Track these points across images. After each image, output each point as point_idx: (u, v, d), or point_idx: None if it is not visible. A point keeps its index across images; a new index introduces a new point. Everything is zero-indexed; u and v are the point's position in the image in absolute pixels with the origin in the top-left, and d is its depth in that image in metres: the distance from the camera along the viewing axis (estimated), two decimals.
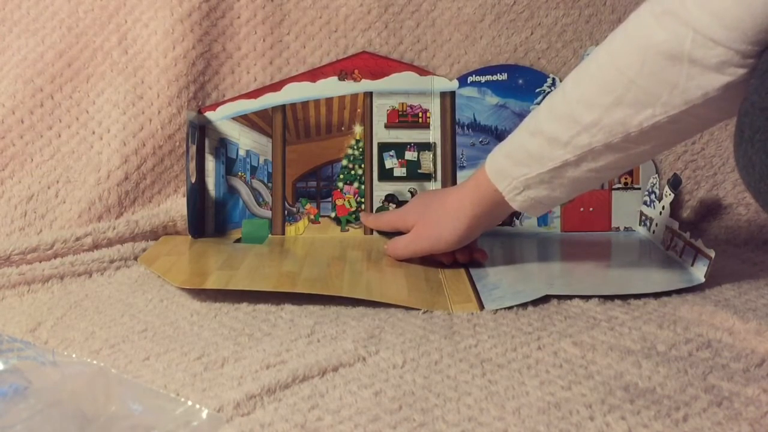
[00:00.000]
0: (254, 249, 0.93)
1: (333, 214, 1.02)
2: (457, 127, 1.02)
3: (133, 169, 0.97)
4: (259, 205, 1.01)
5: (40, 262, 0.85)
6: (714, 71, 0.63)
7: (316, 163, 1.02)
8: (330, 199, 1.02)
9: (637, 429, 0.52)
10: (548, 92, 1.02)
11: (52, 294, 0.79)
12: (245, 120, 1.01)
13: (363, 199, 1.02)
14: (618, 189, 1.03)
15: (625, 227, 1.03)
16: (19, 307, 0.76)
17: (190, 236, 0.96)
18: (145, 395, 0.51)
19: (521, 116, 1.01)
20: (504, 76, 1.02)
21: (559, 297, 0.77)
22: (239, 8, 1.01)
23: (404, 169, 1.02)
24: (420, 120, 1.02)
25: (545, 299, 0.77)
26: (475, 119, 1.02)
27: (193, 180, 0.97)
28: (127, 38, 1.00)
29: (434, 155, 1.02)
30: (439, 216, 0.84)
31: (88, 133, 0.98)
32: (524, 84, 1.02)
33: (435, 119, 1.02)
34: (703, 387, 0.58)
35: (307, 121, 1.02)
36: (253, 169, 1.01)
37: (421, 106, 1.02)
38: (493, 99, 1.02)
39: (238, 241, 0.97)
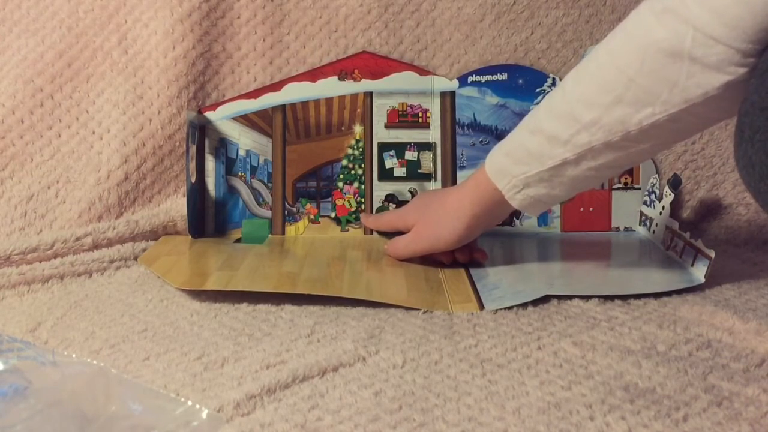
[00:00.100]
0: (254, 249, 0.93)
1: (333, 214, 1.02)
2: (457, 126, 1.02)
3: (133, 169, 0.97)
4: (259, 205, 1.01)
5: (40, 262, 0.85)
6: (714, 70, 0.63)
7: (316, 163, 1.02)
8: (330, 199, 1.02)
9: (637, 429, 0.52)
10: (548, 92, 1.02)
11: (52, 294, 0.79)
12: (245, 120, 1.01)
13: (363, 199, 1.02)
14: (618, 189, 1.03)
15: (625, 227, 1.03)
16: (19, 307, 0.76)
17: (190, 236, 0.96)
18: (145, 395, 0.51)
19: (521, 116, 1.00)
20: (504, 76, 1.02)
21: (559, 297, 0.77)
22: (239, 8, 1.01)
23: (404, 169, 1.02)
24: (420, 120, 1.02)
25: (545, 299, 0.77)
26: (475, 119, 1.02)
27: (193, 180, 0.97)
28: (127, 38, 1.00)
29: (434, 155, 1.02)
30: (439, 216, 0.84)
31: (88, 133, 0.98)
32: (524, 84, 1.02)
33: (435, 119, 1.02)
34: (703, 387, 0.58)
35: (307, 121, 1.02)
36: (253, 169, 1.01)
37: (421, 106, 1.02)
38: (493, 99, 1.02)
39: (238, 241, 0.97)
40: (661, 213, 0.97)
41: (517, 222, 1.03)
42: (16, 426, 0.46)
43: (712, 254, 0.80)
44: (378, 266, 0.87)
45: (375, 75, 1.02)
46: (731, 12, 0.61)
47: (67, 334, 0.68)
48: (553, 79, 1.02)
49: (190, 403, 0.50)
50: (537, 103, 1.01)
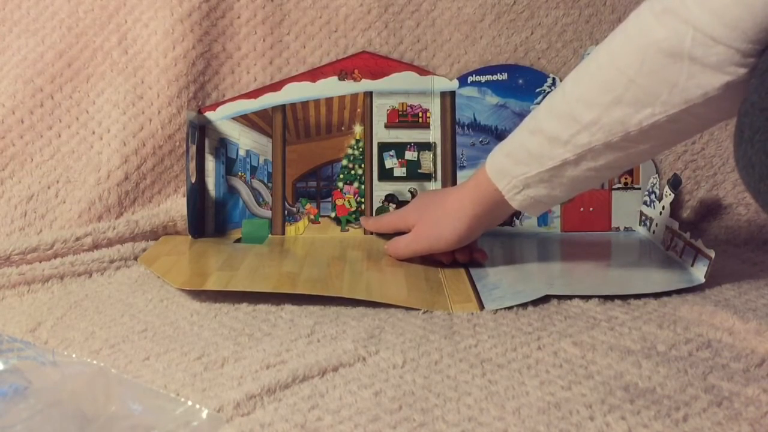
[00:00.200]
0: (254, 249, 0.93)
1: (333, 214, 1.02)
2: (457, 126, 1.02)
3: (133, 169, 0.97)
4: (259, 205, 1.01)
5: (40, 262, 0.85)
6: (714, 70, 0.63)
7: (316, 163, 1.02)
8: (330, 199, 1.02)
9: (637, 429, 0.52)
10: (548, 92, 1.02)
11: (52, 294, 0.79)
12: (245, 120, 1.01)
13: (363, 199, 1.02)
14: (618, 189, 1.03)
15: (625, 227, 1.03)
16: (19, 307, 0.76)
17: (190, 236, 0.96)
18: (145, 395, 0.51)
19: (521, 116, 1.00)
20: (504, 76, 1.02)
21: (559, 297, 0.77)
22: (239, 8, 1.01)
23: (404, 169, 1.02)
24: (420, 120, 1.02)
25: (545, 299, 0.77)
26: (475, 119, 1.02)
27: (193, 180, 0.97)
28: (127, 38, 1.00)
29: (434, 155, 1.02)
30: (440, 216, 0.84)
31: (88, 133, 0.98)
32: (524, 84, 1.02)
33: (435, 119, 1.02)
34: (703, 387, 0.58)
35: (307, 121, 1.02)
36: (253, 169, 1.01)
37: (421, 106, 1.02)
38: (493, 99, 1.02)
39: (238, 241, 0.97)
40: (661, 213, 0.97)
41: (517, 222, 1.03)
42: (16, 426, 0.46)
43: (712, 254, 0.80)
44: (378, 266, 0.87)
45: (375, 75, 1.02)
46: (731, 12, 0.61)
47: (67, 334, 0.68)
48: (553, 79, 1.02)
49: (190, 403, 0.50)
50: (537, 103, 1.01)
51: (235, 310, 0.74)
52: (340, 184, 1.02)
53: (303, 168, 1.02)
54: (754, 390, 0.57)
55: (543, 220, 1.03)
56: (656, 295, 0.78)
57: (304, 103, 1.01)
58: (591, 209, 1.03)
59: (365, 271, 0.85)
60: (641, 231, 1.02)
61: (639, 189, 1.03)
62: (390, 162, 1.02)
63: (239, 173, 1.01)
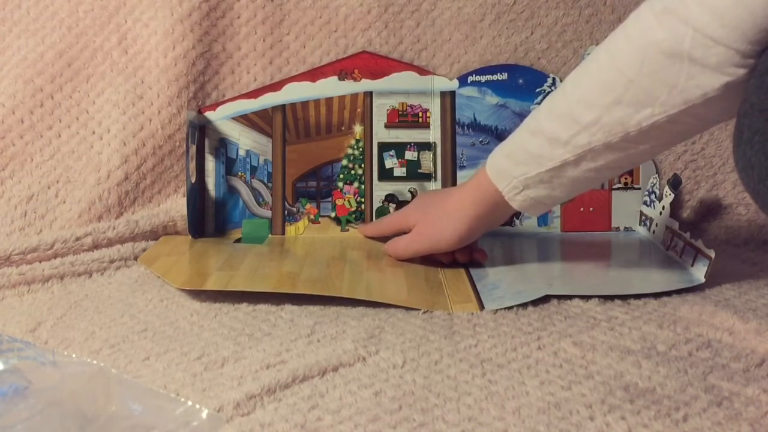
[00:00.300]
0: (254, 249, 0.93)
1: (333, 214, 1.02)
2: (457, 126, 1.02)
3: (133, 169, 0.97)
4: (259, 204, 1.01)
5: (40, 262, 0.85)
6: (713, 70, 0.63)
7: (316, 162, 1.02)
8: (330, 199, 1.02)
9: (637, 429, 0.52)
10: (548, 92, 1.02)
11: (52, 294, 0.79)
12: (245, 120, 1.01)
13: (363, 199, 1.02)
14: (618, 189, 1.03)
15: (625, 227, 1.03)
16: (19, 307, 0.76)
17: (190, 236, 0.96)
18: (145, 395, 0.51)
19: (521, 116, 1.01)
20: (504, 76, 1.02)
21: (559, 297, 0.77)
22: (239, 8, 1.01)
23: (404, 169, 1.02)
24: (420, 120, 1.02)
25: (545, 299, 0.77)
26: (475, 119, 1.02)
27: (193, 180, 0.97)
28: (127, 38, 1.00)
29: (434, 155, 1.02)
30: (440, 216, 0.84)
31: (88, 133, 0.98)
32: (524, 84, 1.02)
33: (435, 119, 1.02)
34: (703, 387, 0.58)
35: (307, 120, 1.02)
36: (253, 169, 1.01)
37: (421, 106, 1.02)
38: (493, 99, 1.02)
39: (238, 241, 0.97)
40: (661, 213, 0.97)
41: (517, 222, 1.03)
42: (16, 426, 0.46)
43: (712, 254, 0.80)
44: (378, 266, 0.87)
45: (375, 75, 1.02)
46: (731, 13, 0.61)
47: (67, 334, 0.68)
48: (553, 79, 1.02)
49: (190, 403, 0.50)
50: (537, 104, 1.01)
51: (235, 310, 0.74)
52: (340, 184, 1.02)
53: (303, 168, 1.02)
54: (754, 390, 0.57)
55: (543, 220, 1.03)
56: (656, 295, 0.78)
57: (304, 103, 1.01)
58: (591, 209, 1.03)
59: (365, 271, 0.85)
60: (641, 231, 1.02)
61: (639, 189, 1.03)
62: (390, 162, 1.02)
63: (239, 173, 1.01)
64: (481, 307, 0.75)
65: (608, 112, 0.69)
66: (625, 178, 1.03)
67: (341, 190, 1.02)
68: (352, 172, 1.02)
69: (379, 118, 1.02)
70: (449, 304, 0.76)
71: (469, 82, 1.02)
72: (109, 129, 0.98)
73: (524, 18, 1.03)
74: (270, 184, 1.01)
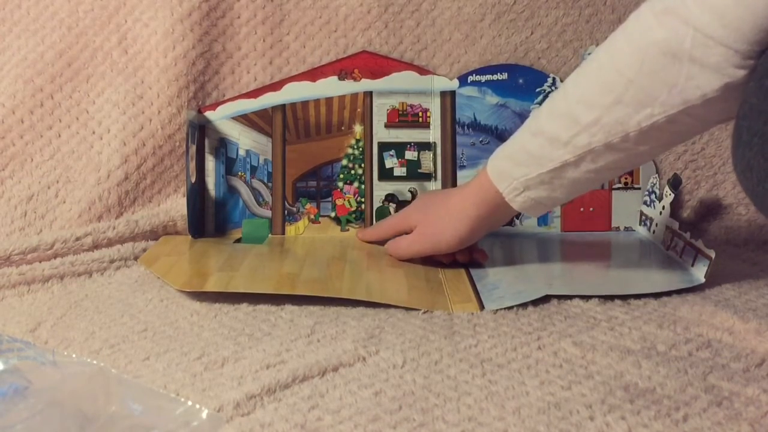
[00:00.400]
0: (254, 249, 0.93)
1: (333, 214, 1.02)
2: (457, 126, 1.02)
3: (133, 169, 0.97)
4: (259, 204, 1.01)
5: (40, 262, 0.85)
6: (713, 71, 0.63)
7: (316, 162, 1.02)
8: (330, 198, 1.02)
9: (637, 429, 0.52)
10: (548, 92, 1.02)
11: (52, 294, 0.79)
12: (245, 119, 1.01)
13: (363, 199, 1.02)
14: (618, 189, 1.03)
15: (625, 227, 1.03)
16: (19, 307, 0.76)
17: (190, 236, 0.96)
18: (145, 395, 0.51)
19: (521, 116, 1.01)
20: (504, 76, 1.02)
21: (559, 297, 0.77)
22: (239, 8, 1.01)
23: (404, 169, 1.02)
24: (420, 119, 1.02)
25: (545, 299, 0.77)
26: (475, 119, 1.02)
27: (193, 180, 0.97)
28: (127, 38, 1.00)
29: (434, 155, 1.02)
30: (441, 217, 0.84)
31: (88, 133, 0.98)
32: (524, 84, 1.02)
33: (435, 119, 1.02)
34: (703, 387, 0.58)
35: (307, 120, 1.02)
36: (253, 169, 1.01)
37: (421, 106, 1.02)
38: (493, 98, 1.02)
39: (238, 241, 0.97)
40: (661, 213, 0.97)
41: (517, 222, 1.03)
42: (16, 426, 0.46)
43: (713, 254, 0.80)
44: (378, 266, 0.87)
45: (375, 74, 1.02)
46: (732, 13, 0.61)
47: (67, 334, 0.68)
48: (554, 79, 1.02)
49: (190, 403, 0.50)
50: (537, 103, 1.01)
51: (235, 310, 0.74)
52: (340, 184, 1.02)
53: (303, 168, 1.02)
54: (754, 390, 0.57)
55: (543, 220, 1.03)
56: (656, 295, 0.78)
57: (304, 103, 1.01)
58: (591, 209, 1.03)
59: (365, 271, 0.85)
60: (641, 231, 1.02)
61: (639, 189, 1.03)
62: (390, 162, 1.02)
63: (239, 173, 1.01)
64: (481, 307, 0.75)
65: (608, 113, 0.69)
66: (625, 178, 1.03)
67: (341, 189, 1.02)
68: (352, 171, 1.02)
69: (379, 118, 1.02)
70: (449, 304, 0.76)
71: (469, 81, 1.02)
72: (109, 129, 0.98)
73: (524, 18, 1.03)
74: (270, 184, 1.01)
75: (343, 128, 1.02)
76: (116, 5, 1.00)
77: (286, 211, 1.01)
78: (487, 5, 1.02)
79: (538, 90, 1.02)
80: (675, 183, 0.96)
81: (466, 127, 1.02)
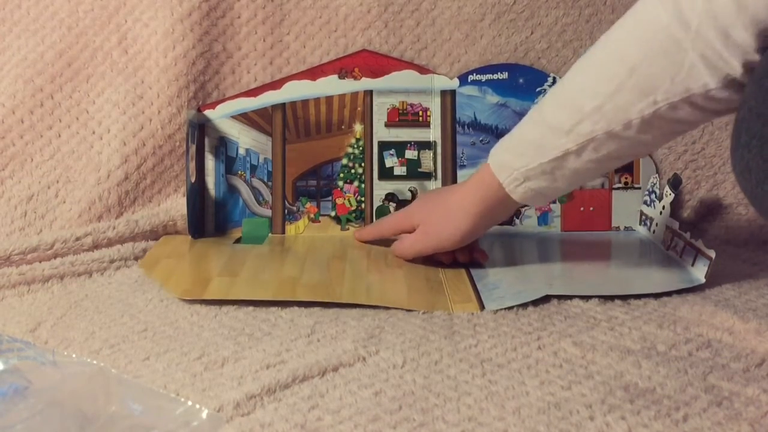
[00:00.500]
0: (254, 250, 0.93)
1: (333, 213, 1.02)
2: (457, 125, 1.02)
3: (133, 168, 0.97)
4: (259, 203, 1.01)
5: (40, 262, 0.85)
6: (715, 61, 0.63)
7: (316, 161, 1.02)
8: (330, 197, 1.02)
9: (637, 429, 0.52)
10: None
11: (52, 294, 0.79)
12: (245, 118, 1.01)
13: (363, 198, 1.02)
14: (618, 188, 1.03)
15: (625, 227, 1.03)
16: (19, 307, 0.76)
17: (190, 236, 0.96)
18: (145, 395, 0.51)
19: (522, 115, 0.99)
20: (505, 75, 1.02)
21: (559, 297, 0.77)
22: (239, 8, 1.01)
23: (404, 168, 1.02)
24: (420, 119, 1.02)
25: (545, 299, 0.77)
26: (475, 118, 1.02)
27: (193, 180, 0.97)
28: (127, 38, 0.99)
29: (434, 154, 1.02)
30: (443, 214, 0.84)
31: (88, 133, 0.98)
32: (525, 83, 1.02)
33: (435, 118, 1.02)
34: (703, 387, 0.58)
35: (307, 119, 1.02)
36: (253, 168, 1.01)
37: (421, 105, 1.02)
38: (493, 98, 1.02)
39: (238, 240, 0.97)
40: (661, 213, 0.97)
41: (517, 222, 1.03)
42: (16, 426, 0.46)
43: (713, 254, 0.80)
44: (378, 267, 0.87)
45: (375, 73, 1.02)
46: (734, 4, 0.61)
47: (67, 334, 0.68)
48: (554, 78, 1.02)
49: (190, 403, 0.50)
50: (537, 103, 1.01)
51: (235, 310, 0.74)
52: (341, 183, 1.02)
53: (303, 167, 1.02)
54: (754, 390, 0.57)
55: (543, 219, 1.03)
56: (656, 295, 0.78)
57: (304, 102, 1.01)
58: (591, 209, 1.03)
59: (365, 272, 0.85)
60: (641, 231, 1.02)
61: (639, 188, 1.03)
62: (390, 161, 1.02)
63: (239, 172, 1.01)
64: (482, 307, 0.75)
65: (611, 100, 0.69)
66: (625, 178, 1.03)
67: (341, 189, 1.02)
68: (353, 170, 1.02)
69: (380, 117, 1.02)
70: (449, 304, 0.76)
71: (469, 81, 1.02)
72: (109, 129, 0.98)
73: (524, 18, 1.02)
74: (270, 183, 1.01)
75: (343, 127, 1.02)
76: (116, 5, 1.00)
77: (286, 210, 1.01)
78: (487, 5, 1.02)
79: (538, 90, 1.02)
80: (675, 183, 0.96)
81: (466, 127, 1.02)
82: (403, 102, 1.02)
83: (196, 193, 0.99)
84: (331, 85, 1.01)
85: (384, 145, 1.02)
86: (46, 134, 0.98)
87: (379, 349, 0.65)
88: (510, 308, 0.75)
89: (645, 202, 1.02)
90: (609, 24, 1.01)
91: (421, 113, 1.02)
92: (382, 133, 1.02)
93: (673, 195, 0.95)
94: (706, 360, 0.63)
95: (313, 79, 1.01)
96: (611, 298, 0.77)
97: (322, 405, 0.55)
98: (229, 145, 1.01)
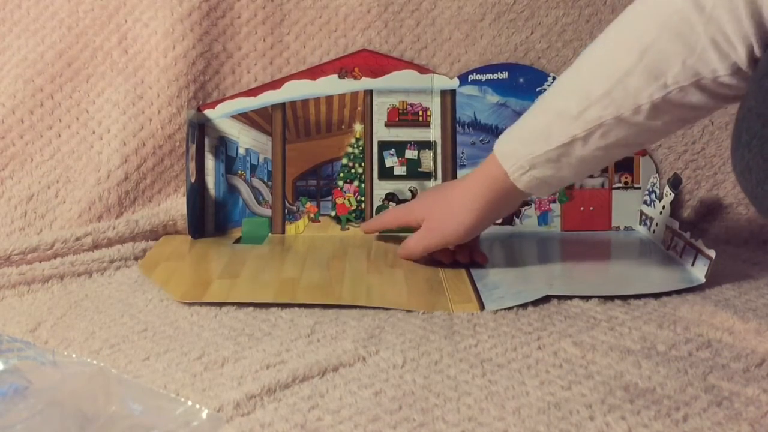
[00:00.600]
0: (254, 251, 0.93)
1: (333, 213, 1.02)
2: (457, 125, 1.02)
3: (133, 168, 0.97)
4: (259, 203, 1.01)
5: (40, 262, 0.85)
6: (725, 48, 0.63)
7: (316, 161, 1.02)
8: (330, 197, 1.02)
9: (637, 429, 0.52)
10: None
11: (52, 294, 0.79)
12: (245, 118, 1.01)
13: (363, 198, 1.02)
14: (618, 188, 1.03)
15: (625, 227, 1.03)
16: (19, 307, 0.76)
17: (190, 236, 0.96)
18: (145, 395, 0.51)
19: (521, 115, 1.00)
20: (505, 75, 1.02)
21: (559, 297, 0.77)
22: (239, 8, 1.01)
23: (404, 168, 1.02)
24: (420, 118, 1.02)
25: (545, 299, 0.77)
26: (475, 118, 1.02)
27: (193, 180, 0.97)
28: (127, 38, 0.99)
29: (434, 154, 1.02)
30: (447, 209, 0.83)
31: (88, 133, 0.98)
32: (525, 83, 1.02)
33: (435, 118, 1.02)
34: (703, 387, 0.58)
35: (307, 119, 1.02)
36: (253, 168, 1.01)
37: (421, 105, 1.02)
38: (493, 98, 1.02)
39: (238, 240, 0.97)
40: (661, 213, 0.96)
41: (517, 222, 1.03)
42: (16, 426, 0.46)
43: (713, 254, 0.80)
44: (378, 267, 0.87)
45: (375, 73, 1.02)
46: None
47: (67, 334, 0.68)
48: (554, 78, 1.02)
49: (190, 403, 0.50)
50: None
51: (235, 310, 0.74)
52: (341, 183, 1.02)
53: (303, 166, 1.02)
54: (754, 390, 0.57)
55: (543, 219, 1.03)
56: (656, 295, 0.78)
57: (304, 102, 1.01)
58: (591, 208, 1.03)
59: (365, 273, 0.85)
60: (641, 230, 1.02)
61: (639, 188, 1.03)
62: (390, 160, 1.02)
63: (239, 172, 1.01)
64: (482, 307, 0.75)
65: (620, 84, 0.68)
66: (626, 178, 1.03)
67: (341, 188, 1.02)
68: (353, 170, 1.02)
69: (380, 117, 1.02)
70: (449, 304, 0.76)
71: (469, 80, 1.02)
72: (109, 129, 0.98)
73: (524, 17, 1.02)
74: (270, 183, 1.01)
75: (343, 127, 1.02)
76: (116, 5, 1.00)
77: (286, 210, 1.01)
78: (487, 5, 1.02)
79: (538, 89, 1.02)
80: (675, 183, 0.96)
81: (466, 126, 1.02)
82: (403, 102, 1.02)
83: (196, 193, 0.99)
84: (331, 85, 1.01)
85: (384, 145, 1.02)
86: (46, 134, 0.98)
87: (379, 349, 0.65)
88: (510, 308, 0.75)
89: (645, 202, 1.02)
90: (609, 24, 1.02)
91: (421, 113, 1.02)
92: (382, 132, 1.02)
93: (673, 195, 0.95)
94: (706, 360, 0.63)
95: (313, 78, 1.01)
96: (611, 298, 0.77)
97: (322, 405, 0.55)
98: (229, 144, 1.01)
